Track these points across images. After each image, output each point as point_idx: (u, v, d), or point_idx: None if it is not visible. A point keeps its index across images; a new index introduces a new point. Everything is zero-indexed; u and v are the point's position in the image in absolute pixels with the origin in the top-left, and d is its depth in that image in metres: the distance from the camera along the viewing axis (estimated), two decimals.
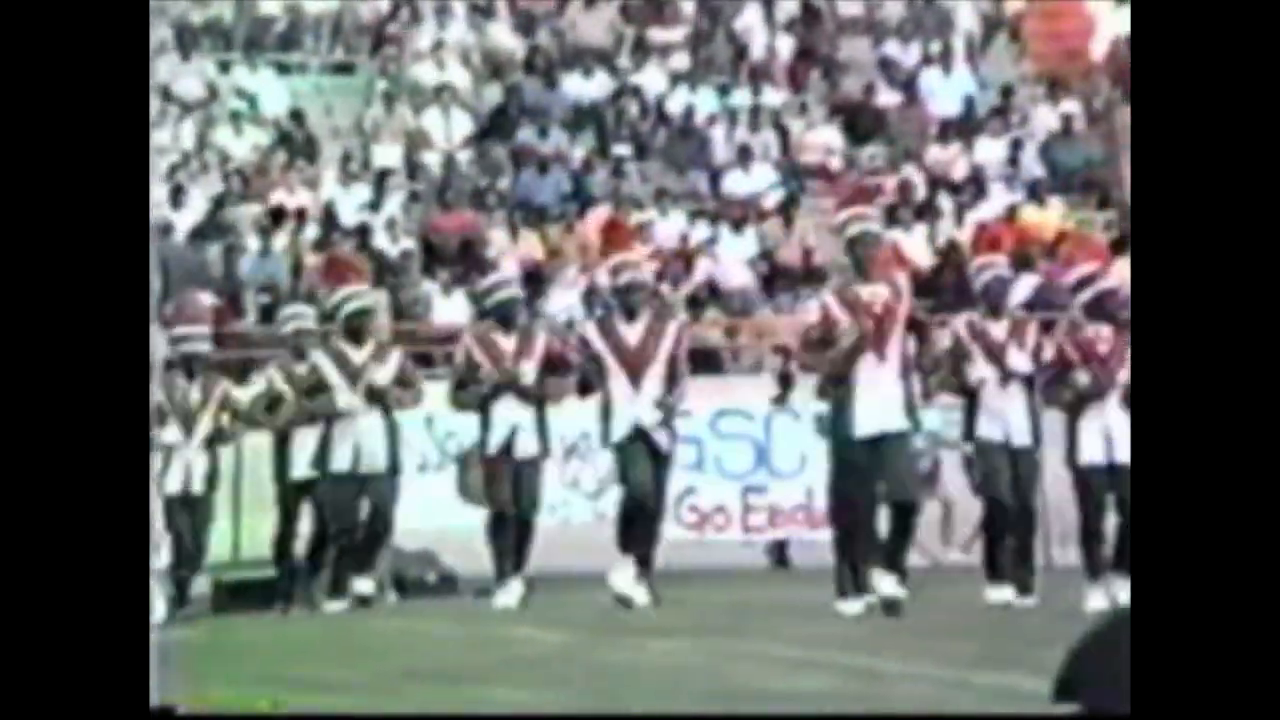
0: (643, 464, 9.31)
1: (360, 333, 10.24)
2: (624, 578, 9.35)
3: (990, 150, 17.70)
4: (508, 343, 9.94)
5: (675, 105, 18.45)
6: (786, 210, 17.10)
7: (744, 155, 17.68)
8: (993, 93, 18.38)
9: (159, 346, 10.72)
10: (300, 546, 10.87)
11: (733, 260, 16.63)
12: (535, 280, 16.45)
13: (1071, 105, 17.94)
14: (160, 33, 18.56)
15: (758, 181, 17.63)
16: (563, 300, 16.10)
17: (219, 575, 10.52)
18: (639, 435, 9.32)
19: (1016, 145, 17.69)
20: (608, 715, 5.40)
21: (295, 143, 18.08)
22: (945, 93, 18.40)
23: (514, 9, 19.59)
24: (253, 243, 16.76)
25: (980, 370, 9.45)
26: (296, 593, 10.66)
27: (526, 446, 9.87)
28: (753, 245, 16.92)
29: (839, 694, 6.27)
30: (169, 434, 10.65)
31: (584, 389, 9.54)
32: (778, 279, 16.39)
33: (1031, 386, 9.41)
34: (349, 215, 17.15)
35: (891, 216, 16.89)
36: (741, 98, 18.43)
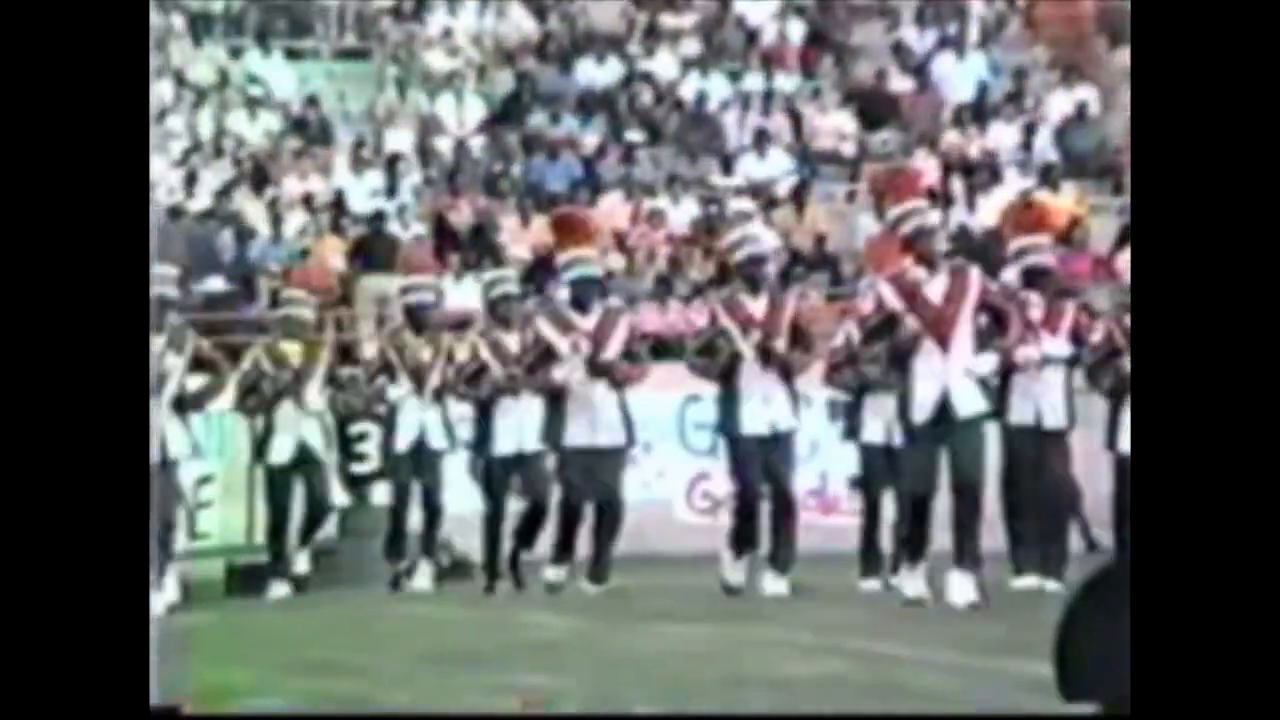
0: (933, 454, 8.20)
1: (587, 301, 9.56)
2: (965, 588, 8.24)
3: (1003, 135, 17.64)
4: (757, 306, 9.28)
5: (687, 91, 18.41)
6: (799, 196, 17.05)
7: (760, 140, 17.63)
8: (1006, 77, 18.31)
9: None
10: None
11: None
12: (546, 266, 16.42)
13: (1085, 90, 17.87)
14: (172, 19, 18.54)
15: (771, 167, 17.59)
16: None
17: (231, 559, 10.51)
18: (944, 410, 8.20)
19: (1030, 130, 17.62)
20: (612, 716, 5.34)
21: (309, 129, 18.06)
22: (958, 78, 18.33)
23: None
24: (264, 228, 16.75)
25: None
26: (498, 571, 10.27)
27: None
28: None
29: (853, 680, 6.24)
30: (400, 389, 10.28)
31: (896, 358, 8.41)
32: (791, 265, 16.34)
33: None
34: (361, 201, 17.13)
35: None
36: (753, 83, 18.38)
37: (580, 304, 9.58)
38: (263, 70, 18.68)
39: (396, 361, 10.42)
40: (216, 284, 15.95)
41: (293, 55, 19.06)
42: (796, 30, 19.03)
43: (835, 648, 7.02)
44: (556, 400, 9.46)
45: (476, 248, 16.50)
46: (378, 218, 16.59)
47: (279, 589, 10.57)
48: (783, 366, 9.22)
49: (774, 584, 9.31)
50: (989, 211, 16.03)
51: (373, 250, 16.11)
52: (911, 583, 8.43)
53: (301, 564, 10.76)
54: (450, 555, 11.42)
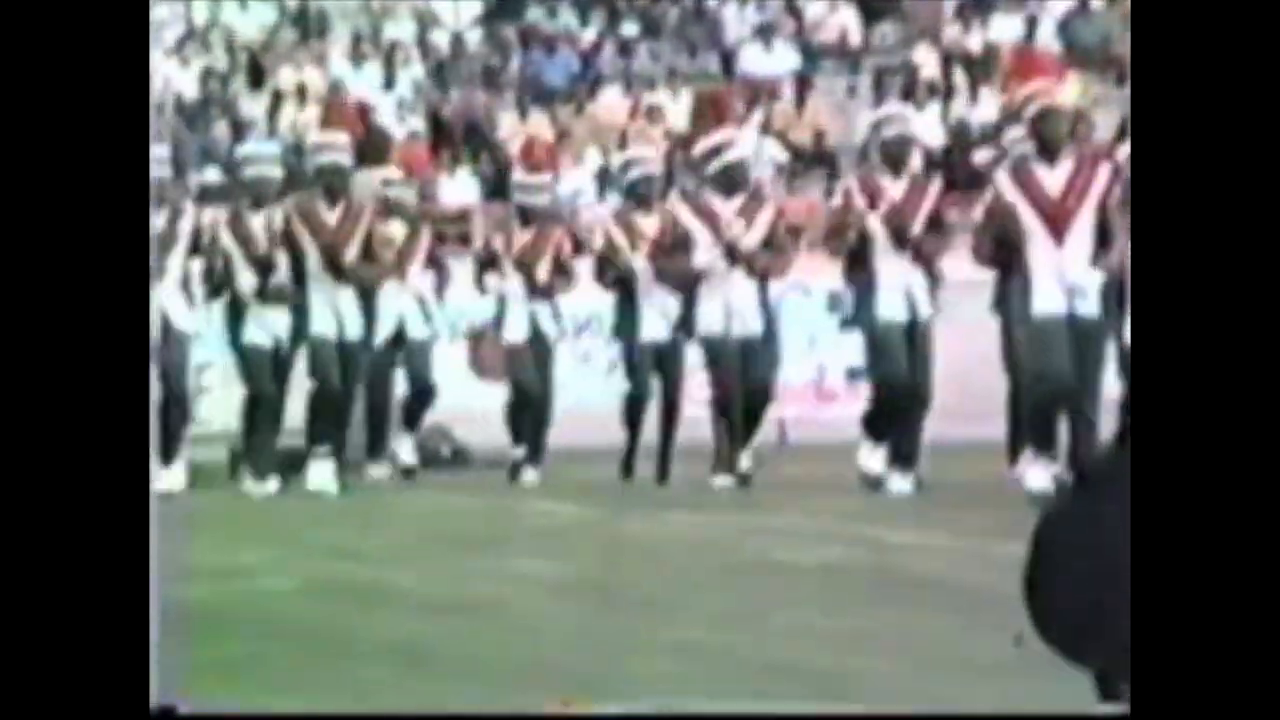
0: (1061, 348, 7.66)
1: (734, 185, 9.13)
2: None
3: (1005, 28, 17.51)
4: (896, 189, 8.76)
5: None
6: (801, 92, 16.95)
7: (764, 33, 17.47)
8: None
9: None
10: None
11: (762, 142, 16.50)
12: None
13: None
14: None
15: (775, 62, 17.46)
16: (574, 181, 16.01)
17: (234, 445, 10.53)
18: (1063, 310, 7.70)
19: (1032, 23, 17.50)
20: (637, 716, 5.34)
21: (307, 21, 17.92)
22: None
23: None
24: (260, 120, 16.66)
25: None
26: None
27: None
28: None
29: (850, 565, 6.31)
30: (505, 283, 10.06)
31: (1008, 250, 7.81)
32: (790, 161, 16.27)
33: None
34: (358, 94, 17.01)
35: (906, 95, 16.75)
36: None
37: (728, 189, 9.18)
38: None
39: (502, 254, 10.21)
40: (213, 176, 15.89)
41: None
42: None
43: (834, 534, 7.09)
44: (692, 288, 9.17)
45: (470, 142, 16.43)
46: (367, 111, 16.46)
47: (378, 471, 10.45)
48: (919, 251, 8.66)
49: (900, 482, 8.71)
50: (990, 106, 15.96)
51: (364, 144, 16.00)
52: (1035, 475, 7.83)
53: (406, 453, 10.57)
54: (451, 445, 11.47)
